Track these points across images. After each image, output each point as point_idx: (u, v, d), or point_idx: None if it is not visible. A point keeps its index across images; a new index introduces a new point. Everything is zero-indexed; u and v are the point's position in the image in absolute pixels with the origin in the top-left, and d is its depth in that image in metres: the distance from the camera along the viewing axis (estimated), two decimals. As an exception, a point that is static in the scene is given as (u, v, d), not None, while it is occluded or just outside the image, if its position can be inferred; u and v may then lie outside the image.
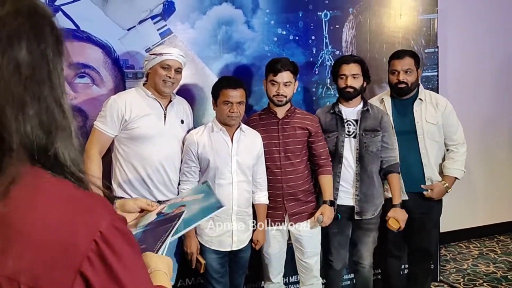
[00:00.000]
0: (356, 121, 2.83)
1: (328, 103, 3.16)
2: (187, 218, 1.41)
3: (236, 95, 2.51)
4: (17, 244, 0.67)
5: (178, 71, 2.53)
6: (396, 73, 2.94)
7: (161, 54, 2.48)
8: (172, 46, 2.88)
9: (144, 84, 2.60)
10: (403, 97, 3.01)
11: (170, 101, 2.60)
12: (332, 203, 2.75)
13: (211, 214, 1.53)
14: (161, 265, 1.00)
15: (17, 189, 0.68)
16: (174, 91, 2.66)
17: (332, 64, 3.00)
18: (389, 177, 2.86)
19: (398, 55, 2.98)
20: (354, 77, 2.79)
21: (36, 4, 0.76)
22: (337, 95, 2.94)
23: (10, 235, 0.67)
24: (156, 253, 1.12)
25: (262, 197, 2.71)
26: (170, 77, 2.48)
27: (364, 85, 2.86)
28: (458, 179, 3.04)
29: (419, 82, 3.08)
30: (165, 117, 2.55)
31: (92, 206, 0.73)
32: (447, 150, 3.05)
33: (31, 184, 0.70)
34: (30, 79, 0.71)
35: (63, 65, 0.78)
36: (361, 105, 2.87)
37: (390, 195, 2.90)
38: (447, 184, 3.00)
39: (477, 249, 4.58)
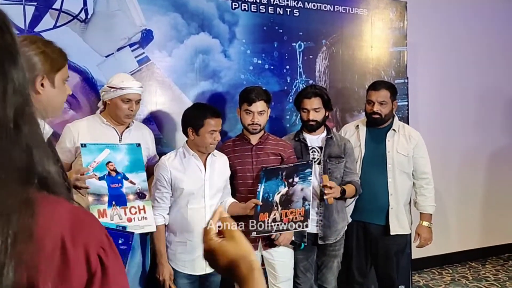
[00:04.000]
0: (321, 148, 2.91)
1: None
2: None
3: (219, 123, 2.56)
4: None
5: (137, 102, 2.55)
6: (372, 103, 3.02)
7: (121, 88, 2.48)
8: (149, 73, 2.97)
9: (101, 112, 2.60)
10: (377, 127, 3.10)
11: (128, 127, 2.61)
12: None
13: None
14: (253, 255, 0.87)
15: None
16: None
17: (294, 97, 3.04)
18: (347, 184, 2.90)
19: (375, 86, 3.06)
20: (316, 111, 2.86)
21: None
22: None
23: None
24: None
25: (230, 199, 2.75)
26: (132, 110, 2.51)
27: (327, 114, 2.94)
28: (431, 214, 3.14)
29: (394, 113, 3.16)
30: (120, 142, 2.53)
31: (90, 221, 0.74)
32: (416, 185, 3.13)
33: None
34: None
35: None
36: (325, 132, 2.96)
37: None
38: (427, 223, 3.11)
39: (449, 275, 4.66)
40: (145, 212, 2.36)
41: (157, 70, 3.01)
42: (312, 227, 2.88)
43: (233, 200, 2.76)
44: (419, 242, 3.14)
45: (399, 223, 3.04)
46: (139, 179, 2.38)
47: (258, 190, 2.66)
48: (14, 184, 0.67)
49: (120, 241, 1.39)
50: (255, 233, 2.62)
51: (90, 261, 0.69)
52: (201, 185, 2.58)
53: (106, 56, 2.88)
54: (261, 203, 2.61)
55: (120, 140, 2.55)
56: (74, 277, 0.68)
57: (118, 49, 2.91)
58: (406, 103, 3.74)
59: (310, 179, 2.65)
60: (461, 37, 4.76)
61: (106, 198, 2.27)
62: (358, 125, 3.18)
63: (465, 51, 4.80)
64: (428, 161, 3.12)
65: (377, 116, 3.02)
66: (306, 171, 2.65)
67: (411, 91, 3.93)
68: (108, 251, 0.72)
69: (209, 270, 2.62)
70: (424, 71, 4.52)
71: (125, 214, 2.30)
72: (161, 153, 2.79)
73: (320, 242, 2.92)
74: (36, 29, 2.71)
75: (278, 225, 2.63)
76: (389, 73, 3.68)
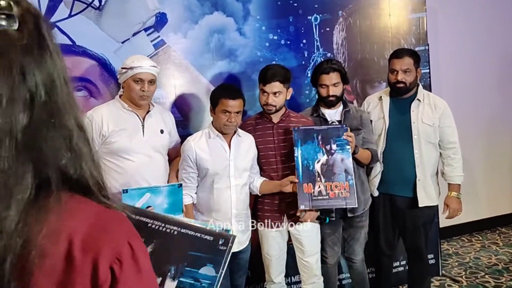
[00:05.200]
0: (340, 121, 2.89)
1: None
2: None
3: (234, 105, 2.53)
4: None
5: (151, 82, 2.50)
6: (395, 72, 2.95)
7: (131, 68, 2.45)
8: (166, 56, 2.97)
9: (120, 96, 2.59)
10: (401, 97, 3.04)
11: (148, 111, 2.60)
12: None
13: None
14: None
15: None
16: (152, 100, 2.64)
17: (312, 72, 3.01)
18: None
19: (397, 54, 2.98)
20: (335, 86, 2.83)
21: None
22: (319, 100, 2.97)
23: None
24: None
25: (261, 179, 2.77)
26: (143, 91, 2.46)
27: (344, 88, 2.91)
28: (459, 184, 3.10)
29: (418, 82, 3.10)
30: (143, 128, 2.55)
31: (113, 227, 0.69)
32: (443, 155, 3.07)
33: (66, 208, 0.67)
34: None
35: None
36: (341, 106, 2.93)
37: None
38: (456, 193, 3.07)
39: (479, 242, 4.62)
40: None
41: (173, 52, 3.01)
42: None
43: (263, 178, 2.77)
44: (448, 214, 3.10)
45: (426, 195, 3.00)
46: None
47: (295, 155, 2.65)
48: (30, 179, 0.64)
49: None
50: (303, 206, 2.63)
51: (98, 272, 0.64)
52: (226, 165, 2.60)
53: (122, 42, 2.89)
54: (296, 180, 2.62)
55: (143, 126, 2.54)
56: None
57: (134, 34, 2.92)
58: (428, 70, 3.65)
59: (349, 148, 2.65)
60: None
61: None
62: (381, 96, 3.12)
63: (487, 13, 4.65)
64: (455, 130, 3.05)
65: (402, 85, 2.95)
66: (342, 137, 2.64)
67: (432, 58, 3.84)
68: (125, 263, 0.66)
69: (235, 249, 2.65)
70: (445, 37, 4.41)
71: None
72: (182, 136, 2.80)
73: (349, 214, 2.92)
74: (52, 19, 2.72)
75: (325, 200, 2.65)
76: (409, 41, 3.60)
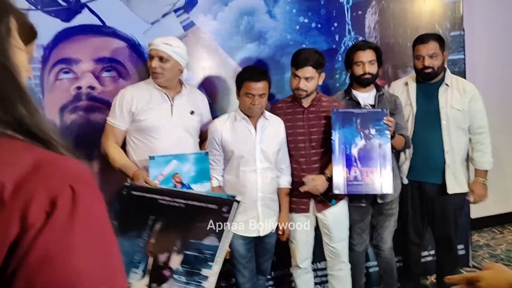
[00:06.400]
0: (373, 106, 2.82)
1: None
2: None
3: (258, 87, 2.49)
4: None
5: (163, 60, 2.46)
6: (421, 58, 2.88)
7: (149, 45, 2.50)
8: (195, 38, 2.95)
9: None
10: (429, 82, 2.96)
11: (179, 91, 2.60)
12: (329, 180, 2.66)
13: None
14: None
15: None
16: (190, 81, 2.68)
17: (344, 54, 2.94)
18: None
19: (422, 39, 2.91)
20: (371, 63, 2.77)
21: None
22: (352, 81, 2.91)
23: None
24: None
25: (286, 182, 2.73)
26: (154, 67, 2.45)
27: (378, 70, 2.84)
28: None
29: (446, 66, 3.02)
30: (172, 108, 2.55)
31: (53, 168, 0.64)
32: (472, 140, 2.99)
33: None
34: None
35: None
36: (375, 89, 2.86)
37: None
38: (483, 179, 2.99)
39: (511, 234, 4.50)
40: None
41: (202, 34, 2.98)
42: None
43: (287, 187, 2.74)
44: (473, 199, 3.03)
45: (456, 181, 2.93)
46: (203, 189, 2.42)
47: (332, 138, 2.61)
48: None
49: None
50: (338, 191, 2.59)
51: (28, 215, 0.59)
52: (252, 148, 2.57)
53: (152, 23, 2.88)
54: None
55: (172, 106, 2.54)
56: None
57: (163, 15, 2.90)
58: (463, 56, 3.54)
59: (388, 134, 2.59)
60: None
61: None
62: (407, 82, 3.05)
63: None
64: (484, 115, 2.96)
65: (430, 70, 2.88)
66: (382, 122, 2.58)
67: (468, 43, 3.72)
68: (61, 207, 0.61)
69: (262, 233, 2.64)
70: (482, 22, 4.26)
71: None
72: (212, 118, 2.78)
73: (379, 201, 2.86)
74: (83, 0, 2.73)
75: (361, 185, 2.60)
76: (443, 26, 3.49)
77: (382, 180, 2.58)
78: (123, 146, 2.60)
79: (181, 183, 2.40)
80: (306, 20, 3.17)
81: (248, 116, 2.58)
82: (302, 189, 2.63)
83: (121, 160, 2.49)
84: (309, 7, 3.18)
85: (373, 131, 2.60)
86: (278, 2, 3.11)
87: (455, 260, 3.15)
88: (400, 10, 3.39)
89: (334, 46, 3.24)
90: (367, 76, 2.78)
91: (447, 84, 2.94)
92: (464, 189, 2.98)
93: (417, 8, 3.43)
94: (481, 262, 3.87)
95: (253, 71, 2.59)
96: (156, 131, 2.50)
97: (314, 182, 2.63)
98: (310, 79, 2.63)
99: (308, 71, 2.61)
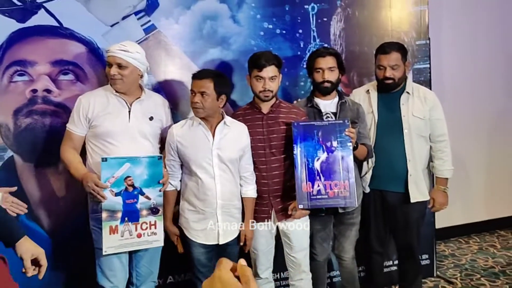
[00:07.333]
0: (335, 113, 2.79)
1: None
2: None
3: (197, 85, 2.44)
4: None
5: (121, 67, 2.42)
6: (383, 68, 2.85)
7: (107, 51, 2.47)
8: (156, 41, 2.89)
9: None
10: (390, 92, 2.94)
11: (138, 97, 2.54)
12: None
13: None
14: None
15: None
16: (148, 87, 2.62)
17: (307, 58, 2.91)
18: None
19: (384, 49, 2.87)
20: (331, 70, 2.73)
21: None
22: (314, 89, 2.87)
23: None
24: None
25: (249, 191, 2.67)
26: (113, 74, 2.41)
27: (340, 77, 2.81)
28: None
29: (407, 75, 3.01)
30: (129, 113, 2.50)
31: None
32: (433, 148, 2.98)
33: None
34: None
35: None
36: (337, 97, 2.83)
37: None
38: (444, 187, 2.99)
39: (476, 244, 4.52)
40: (155, 228, 2.44)
41: (164, 38, 2.92)
42: None
43: (252, 196, 2.67)
44: (434, 207, 3.02)
45: (418, 190, 2.92)
46: (155, 194, 2.43)
47: (294, 152, 2.55)
48: None
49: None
50: (302, 205, 2.54)
51: None
52: (208, 154, 2.51)
53: (111, 26, 2.81)
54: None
55: (129, 112, 2.49)
56: None
57: (123, 18, 2.83)
58: (428, 65, 3.55)
59: (350, 146, 2.54)
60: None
61: (119, 215, 2.35)
62: (368, 90, 3.03)
63: (491, 8, 4.55)
64: (445, 123, 2.97)
65: (390, 81, 2.86)
66: (344, 133, 2.53)
67: (434, 53, 3.74)
68: None
69: (222, 241, 2.57)
70: (448, 31, 4.31)
71: (136, 229, 2.40)
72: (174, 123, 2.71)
73: (340, 211, 2.82)
74: (39, 0, 2.65)
75: (324, 199, 2.55)
76: (409, 35, 3.50)
77: (346, 193, 2.54)
78: (83, 152, 2.53)
79: (133, 186, 2.35)
80: (270, 26, 3.14)
81: (202, 119, 2.51)
82: (294, 217, 2.67)
83: (72, 164, 2.45)
84: (273, 13, 3.15)
85: (335, 143, 2.55)
86: (242, 7, 3.07)
87: (418, 269, 3.13)
88: (365, 18, 3.39)
89: (299, 53, 3.22)
90: (326, 84, 2.74)
91: (408, 92, 2.93)
92: (426, 197, 2.97)
93: (383, 16, 3.44)
94: (446, 272, 3.87)
95: (201, 71, 2.58)
96: (112, 136, 2.45)
97: (299, 211, 2.62)
98: (274, 78, 2.60)
99: (272, 70, 2.58)
